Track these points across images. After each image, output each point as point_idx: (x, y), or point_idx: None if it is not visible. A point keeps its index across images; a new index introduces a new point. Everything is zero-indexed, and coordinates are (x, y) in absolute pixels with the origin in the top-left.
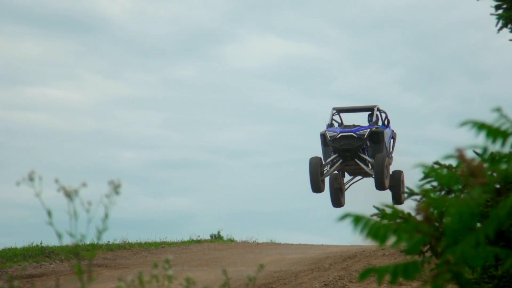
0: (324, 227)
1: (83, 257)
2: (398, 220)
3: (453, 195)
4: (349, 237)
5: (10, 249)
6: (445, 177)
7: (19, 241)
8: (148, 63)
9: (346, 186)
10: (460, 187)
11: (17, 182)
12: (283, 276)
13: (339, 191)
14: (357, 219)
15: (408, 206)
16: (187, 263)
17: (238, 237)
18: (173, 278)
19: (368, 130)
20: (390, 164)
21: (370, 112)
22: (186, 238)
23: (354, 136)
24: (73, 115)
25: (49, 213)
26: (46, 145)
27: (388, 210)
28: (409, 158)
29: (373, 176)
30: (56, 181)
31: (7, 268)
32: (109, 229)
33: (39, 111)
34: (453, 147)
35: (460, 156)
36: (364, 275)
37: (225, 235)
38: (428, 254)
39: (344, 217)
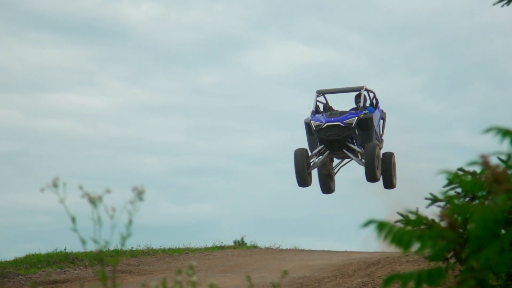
0: (347, 233)
1: (107, 263)
2: (422, 227)
3: (477, 201)
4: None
5: (34, 255)
6: (469, 184)
7: (43, 247)
8: (171, 70)
9: (335, 170)
10: (484, 193)
11: (42, 189)
12: (306, 282)
13: (328, 177)
14: (381, 226)
15: (432, 212)
16: (210, 269)
17: (261, 244)
18: (197, 285)
19: (356, 118)
20: (381, 148)
21: (357, 93)
22: (210, 245)
23: (341, 126)
24: (96, 122)
25: (73, 219)
26: (69, 152)
27: (412, 217)
28: (433, 165)
29: (364, 167)
30: (80, 187)
31: (32, 274)
32: (133, 235)
33: (62, 117)
34: (477, 154)
35: (485, 163)
36: (388, 281)
37: (248, 241)
38: (452, 260)
39: (368, 223)
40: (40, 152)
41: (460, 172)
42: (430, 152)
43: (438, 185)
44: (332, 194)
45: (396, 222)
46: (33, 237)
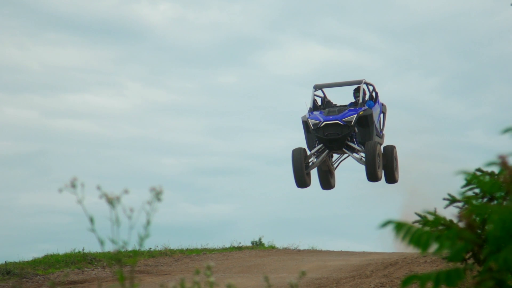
0: (365, 233)
1: (125, 263)
2: (440, 227)
3: (495, 202)
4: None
5: (52, 256)
6: (488, 184)
7: (61, 248)
8: (189, 70)
9: (335, 165)
10: (502, 194)
11: (60, 189)
12: (324, 283)
13: (328, 173)
14: (399, 226)
15: (450, 213)
16: (228, 269)
17: (279, 244)
18: (214, 285)
19: (355, 115)
20: (382, 144)
21: (356, 87)
22: (228, 245)
23: (340, 124)
24: (114, 122)
25: (92, 220)
26: (87, 152)
27: (430, 217)
28: (451, 165)
29: (364, 166)
30: (98, 188)
31: (50, 275)
32: (151, 235)
33: (80, 118)
34: (495, 154)
35: (503, 163)
36: (406, 282)
37: (266, 242)
38: (471, 261)
39: (386, 224)
40: (58, 152)
41: (478, 173)
42: (448, 153)
43: (456, 186)
44: (351, 194)
45: (414, 222)
46: (51, 237)
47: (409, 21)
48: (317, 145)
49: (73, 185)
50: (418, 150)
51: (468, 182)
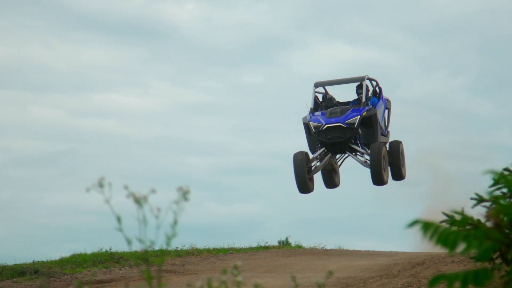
0: (392, 233)
1: (152, 263)
2: (468, 227)
3: None
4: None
5: (80, 255)
6: None
7: (88, 247)
8: (215, 70)
9: (339, 163)
10: None
11: (87, 189)
12: (351, 282)
13: (332, 172)
14: (427, 226)
15: (478, 212)
16: (255, 269)
17: (306, 244)
18: (241, 284)
19: (359, 116)
20: (387, 143)
21: (358, 84)
22: (254, 245)
23: (342, 127)
24: (141, 122)
25: (119, 219)
26: (114, 152)
27: (458, 217)
28: (479, 165)
29: (369, 169)
30: (126, 187)
31: (77, 274)
32: (178, 235)
33: (107, 117)
34: None
35: None
36: (434, 282)
37: (293, 241)
38: (499, 261)
39: (413, 223)
40: (85, 152)
41: (506, 172)
42: (476, 152)
43: (483, 185)
44: (377, 194)
45: (441, 222)
46: (78, 237)
47: (436, 19)
48: (320, 149)
49: (101, 185)
50: (445, 149)
51: (496, 182)
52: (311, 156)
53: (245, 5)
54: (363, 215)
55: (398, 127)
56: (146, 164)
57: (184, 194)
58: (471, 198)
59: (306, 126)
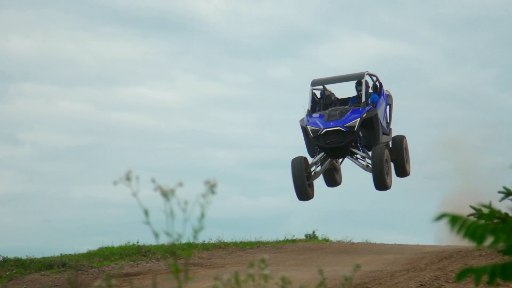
0: (419, 226)
1: (179, 256)
2: (496, 220)
3: None
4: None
5: (107, 248)
6: None
7: (116, 240)
8: (242, 63)
9: (340, 161)
10: None
11: (115, 182)
12: (378, 276)
13: (333, 171)
14: (454, 220)
15: (506, 206)
16: (282, 262)
17: (333, 237)
18: (269, 278)
19: (359, 119)
20: (389, 141)
21: (358, 81)
22: (281, 238)
23: (342, 131)
24: (168, 115)
25: (146, 213)
26: (141, 145)
27: (485, 210)
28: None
29: (371, 174)
30: (153, 180)
31: (105, 267)
32: (205, 228)
33: (134, 111)
34: None
35: None
36: (462, 275)
37: (320, 234)
38: None
39: (440, 217)
40: (112, 145)
41: None
42: (504, 146)
43: (511, 179)
44: (404, 188)
45: (469, 215)
46: (106, 230)
47: (463, 12)
48: (319, 153)
49: (128, 178)
50: (473, 143)
51: None
52: (310, 160)
53: None
54: (391, 208)
55: (424, 120)
56: (173, 158)
57: (211, 187)
58: (499, 192)
59: (304, 130)
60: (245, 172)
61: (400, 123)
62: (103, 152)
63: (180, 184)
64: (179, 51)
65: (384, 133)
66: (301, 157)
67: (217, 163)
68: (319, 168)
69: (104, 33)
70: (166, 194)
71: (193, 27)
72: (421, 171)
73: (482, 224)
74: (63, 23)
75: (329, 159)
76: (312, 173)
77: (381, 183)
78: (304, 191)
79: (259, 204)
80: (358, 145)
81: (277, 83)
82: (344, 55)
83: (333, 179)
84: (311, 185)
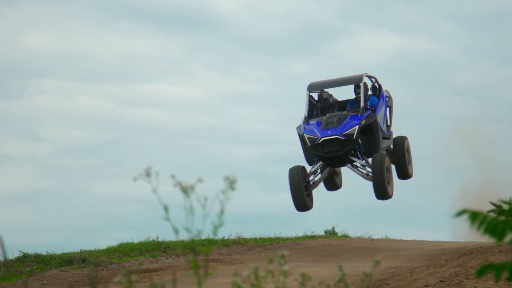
0: (438, 222)
1: (199, 252)
2: None
3: None
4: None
5: (127, 244)
6: None
7: (135, 236)
8: (261, 59)
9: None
10: None
11: (134, 178)
12: (398, 272)
13: (333, 175)
14: (474, 216)
15: None
16: (301, 258)
17: (352, 233)
18: (288, 274)
19: (357, 126)
20: (390, 145)
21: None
22: (301, 234)
23: (340, 139)
24: (187, 111)
25: (166, 209)
26: (161, 141)
27: (506, 206)
28: None
29: (372, 183)
30: (173, 176)
31: (125, 263)
32: (224, 224)
33: (154, 107)
34: None
35: None
36: (482, 271)
37: (339, 231)
38: None
39: (461, 213)
40: (131, 141)
41: None
42: None
43: None
44: (424, 183)
45: (489, 212)
46: (125, 226)
47: (483, 8)
48: (317, 162)
49: (148, 174)
50: (493, 138)
51: None
52: (308, 169)
53: None
54: (411, 204)
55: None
56: (192, 154)
57: (231, 183)
58: None
59: (301, 138)
60: (265, 168)
61: (419, 118)
62: (123, 148)
63: (200, 180)
64: (198, 47)
65: (384, 138)
66: (299, 166)
67: (236, 159)
68: (318, 177)
69: (123, 29)
70: (185, 190)
71: (213, 23)
72: (440, 166)
73: (503, 220)
74: (83, 19)
75: (327, 168)
76: (311, 182)
77: (382, 192)
78: (302, 202)
79: (279, 200)
80: (358, 153)
81: (297, 79)
82: (364, 51)
83: (333, 183)
84: (309, 195)
